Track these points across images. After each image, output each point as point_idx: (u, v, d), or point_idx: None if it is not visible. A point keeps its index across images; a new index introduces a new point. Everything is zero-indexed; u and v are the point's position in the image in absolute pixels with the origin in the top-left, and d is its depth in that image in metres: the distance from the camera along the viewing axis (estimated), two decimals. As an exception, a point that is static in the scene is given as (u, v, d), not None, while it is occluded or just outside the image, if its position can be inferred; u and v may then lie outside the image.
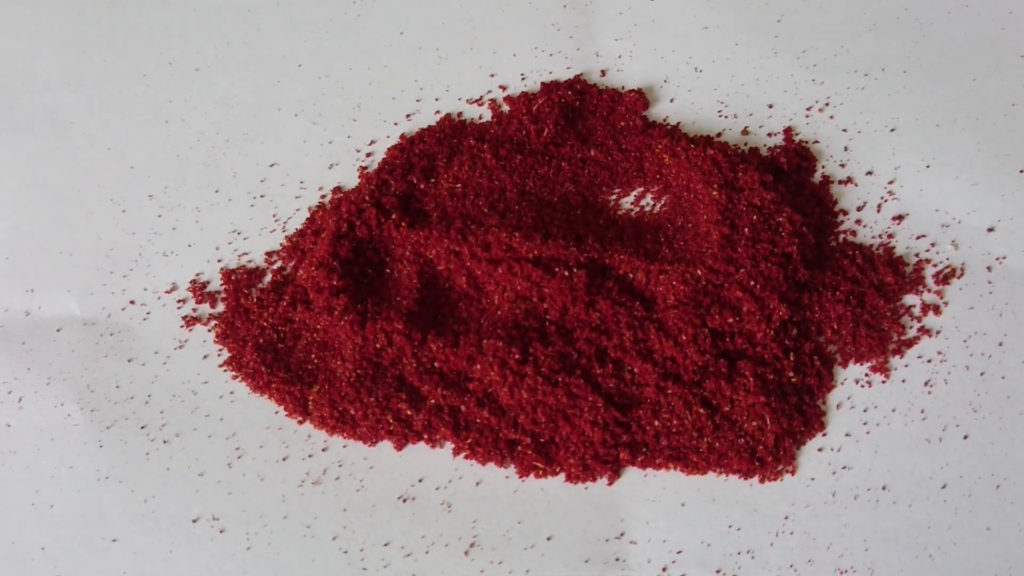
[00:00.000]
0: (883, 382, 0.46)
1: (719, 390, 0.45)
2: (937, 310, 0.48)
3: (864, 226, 0.50)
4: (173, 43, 0.59)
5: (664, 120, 0.54)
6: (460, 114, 0.55)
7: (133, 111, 0.57)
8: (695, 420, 0.45)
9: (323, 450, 0.47)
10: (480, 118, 0.55)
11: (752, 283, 0.47)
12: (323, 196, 0.53)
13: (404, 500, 0.45)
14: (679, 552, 0.43)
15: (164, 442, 0.47)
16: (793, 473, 0.44)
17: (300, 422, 0.47)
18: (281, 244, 0.52)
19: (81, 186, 0.54)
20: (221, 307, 0.51)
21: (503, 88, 0.56)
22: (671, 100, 0.55)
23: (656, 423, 0.45)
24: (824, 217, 0.50)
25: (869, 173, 0.52)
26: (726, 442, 0.45)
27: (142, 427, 0.48)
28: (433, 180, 0.52)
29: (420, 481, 0.46)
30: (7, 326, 0.51)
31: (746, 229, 0.48)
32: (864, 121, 0.53)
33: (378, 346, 0.47)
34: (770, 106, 0.54)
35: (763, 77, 0.55)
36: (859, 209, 0.51)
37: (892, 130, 0.53)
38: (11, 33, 0.60)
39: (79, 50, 0.59)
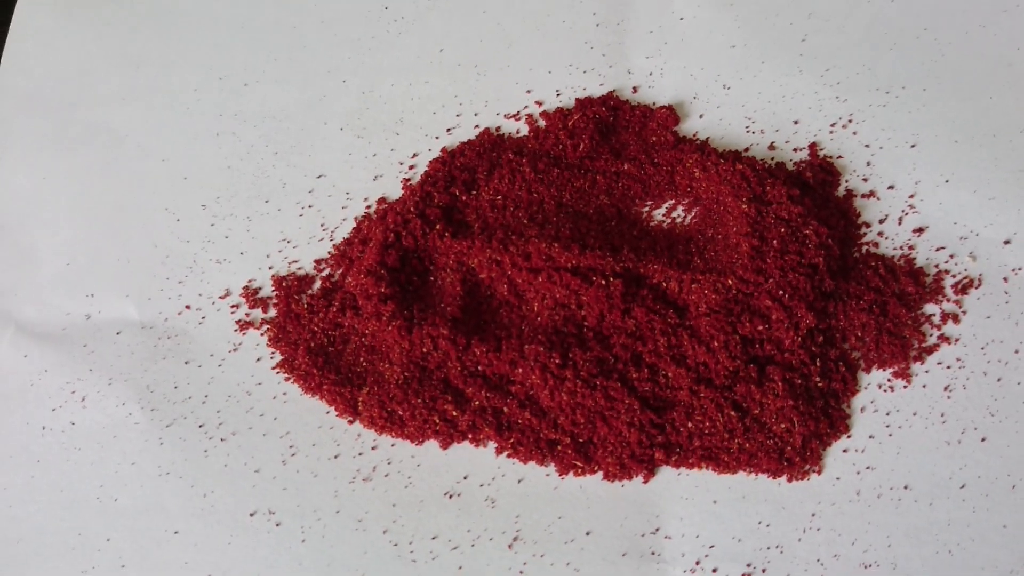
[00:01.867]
0: (905, 387, 0.48)
1: (749, 394, 0.48)
2: (956, 319, 0.50)
3: (886, 238, 0.53)
4: (223, 59, 0.61)
5: (694, 135, 0.57)
6: (498, 128, 0.58)
7: (185, 124, 0.59)
8: (726, 422, 0.47)
9: (372, 448, 0.49)
10: (517, 132, 0.58)
11: (780, 292, 0.49)
12: (368, 207, 0.56)
13: (450, 496, 0.48)
14: (711, 547, 0.46)
15: (221, 440, 0.50)
16: (819, 473, 0.47)
17: (350, 422, 0.50)
18: (329, 252, 0.55)
19: (137, 196, 0.57)
20: (273, 312, 0.53)
21: (539, 104, 0.59)
22: (700, 116, 0.57)
23: (689, 424, 0.48)
24: (848, 229, 0.53)
25: (891, 187, 0.54)
26: (756, 443, 0.47)
27: (200, 426, 0.50)
28: (474, 192, 0.55)
29: (465, 478, 0.48)
30: (69, 329, 0.54)
31: (775, 241, 0.50)
32: (886, 137, 0.55)
33: (424, 350, 0.50)
34: (795, 122, 0.56)
35: (788, 94, 0.57)
36: (881, 222, 0.53)
37: (912, 146, 0.55)
38: (69, 51, 0.62)
39: (133, 66, 0.61)
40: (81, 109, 0.60)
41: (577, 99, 0.58)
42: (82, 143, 0.59)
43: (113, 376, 0.52)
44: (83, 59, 0.62)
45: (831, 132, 0.56)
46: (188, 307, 0.54)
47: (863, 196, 0.54)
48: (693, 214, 0.54)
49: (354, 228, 0.55)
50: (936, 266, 0.51)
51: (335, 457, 0.49)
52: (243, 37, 0.62)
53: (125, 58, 0.62)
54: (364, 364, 0.51)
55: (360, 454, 0.49)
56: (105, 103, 0.60)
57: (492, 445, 0.49)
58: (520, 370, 0.49)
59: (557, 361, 0.48)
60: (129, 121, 0.60)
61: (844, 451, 0.47)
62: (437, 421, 0.49)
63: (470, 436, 0.49)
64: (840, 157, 0.55)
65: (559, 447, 0.48)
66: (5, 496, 0.50)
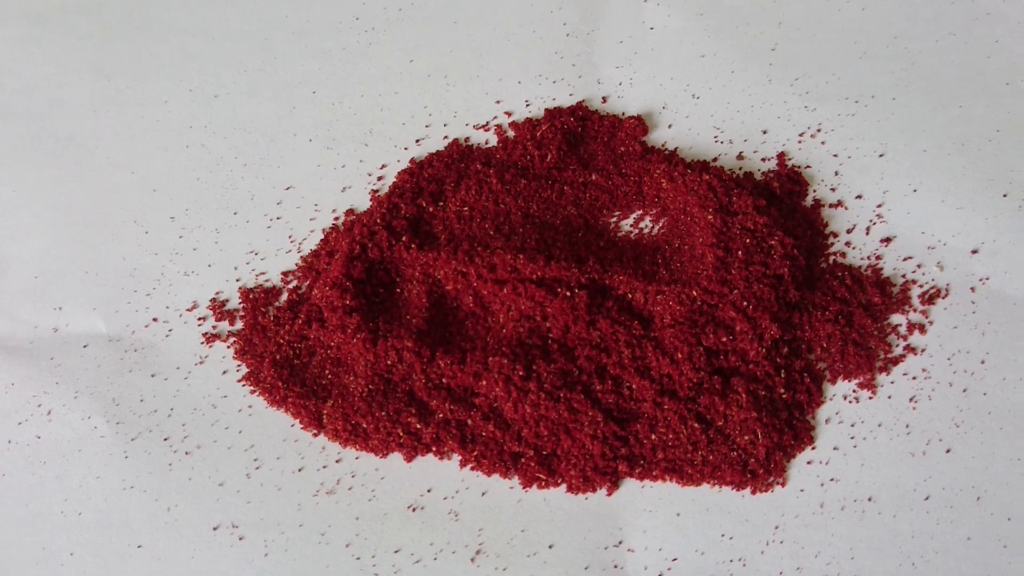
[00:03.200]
0: (870, 398, 0.48)
1: (713, 405, 0.47)
2: (922, 329, 0.50)
3: (853, 248, 0.52)
4: (193, 70, 0.61)
5: (663, 145, 0.57)
6: (467, 139, 0.58)
7: (155, 136, 0.59)
8: (690, 434, 0.47)
9: (336, 462, 0.49)
10: (486, 143, 0.58)
11: (745, 304, 0.49)
12: (336, 218, 0.56)
13: (413, 509, 0.48)
14: (674, 560, 0.46)
15: (186, 453, 0.50)
16: (783, 485, 0.47)
17: (315, 435, 0.50)
18: (296, 264, 0.55)
19: (106, 208, 0.57)
20: (240, 324, 0.53)
21: (508, 114, 0.58)
22: (669, 126, 0.57)
23: (653, 437, 0.47)
24: (815, 239, 0.53)
25: (859, 197, 0.54)
26: (719, 455, 0.47)
27: (165, 439, 0.50)
28: (441, 203, 0.55)
29: (429, 491, 0.48)
30: (37, 342, 0.54)
31: (740, 252, 0.50)
32: (854, 147, 0.55)
33: (389, 363, 0.50)
34: (764, 132, 0.56)
35: (757, 104, 0.57)
36: (849, 232, 0.53)
37: (881, 155, 0.55)
38: (38, 60, 0.62)
39: (103, 77, 0.61)
40: (51, 120, 0.60)
41: (546, 109, 0.58)
42: (52, 154, 0.59)
43: (79, 389, 0.52)
44: (53, 70, 0.62)
45: (799, 142, 0.56)
46: (155, 320, 0.54)
47: (831, 206, 0.54)
48: (660, 224, 0.54)
49: (321, 240, 0.55)
50: (903, 276, 0.51)
51: (299, 470, 0.49)
52: (214, 48, 0.62)
53: (95, 69, 0.62)
54: (329, 376, 0.51)
55: (324, 467, 0.49)
56: (75, 114, 0.60)
57: (456, 458, 0.49)
58: (484, 382, 0.49)
59: (521, 373, 0.48)
60: (99, 132, 0.60)
61: (808, 463, 0.47)
62: (401, 434, 0.49)
63: (434, 449, 0.49)
64: (808, 167, 0.55)
65: (523, 460, 0.48)
66: (-31, 510, 0.50)
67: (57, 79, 0.62)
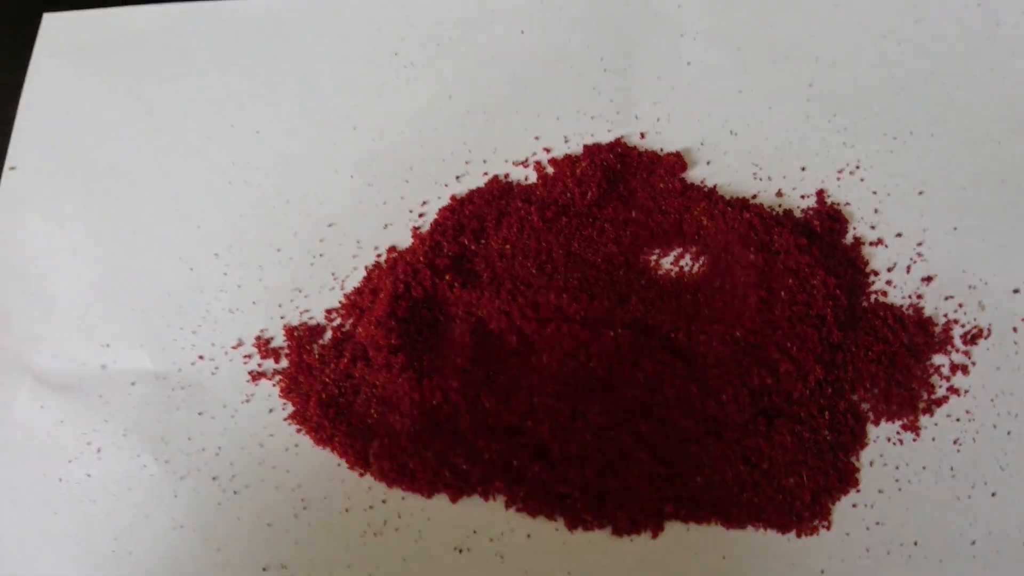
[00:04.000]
0: (914, 440, 0.49)
1: (758, 447, 0.48)
2: (965, 370, 0.50)
3: (894, 287, 0.53)
4: (235, 107, 0.62)
5: (702, 182, 0.57)
6: (507, 175, 0.58)
7: (198, 172, 0.60)
8: (736, 476, 0.47)
9: (383, 502, 0.50)
10: (526, 179, 0.58)
11: (789, 344, 0.49)
12: (379, 255, 0.56)
13: (460, 551, 0.48)
14: (721, 602, 0.46)
15: (234, 493, 0.50)
16: (829, 528, 0.47)
17: (361, 474, 0.50)
18: (340, 302, 0.55)
19: (150, 245, 0.58)
20: (285, 363, 0.54)
21: (547, 150, 0.59)
22: (708, 163, 0.58)
23: (699, 478, 0.48)
24: (856, 278, 0.53)
25: (899, 235, 0.54)
26: (765, 497, 0.47)
27: (213, 478, 0.51)
28: (483, 241, 0.55)
29: (474, 532, 0.49)
30: (85, 380, 0.54)
31: (783, 292, 0.51)
32: (894, 184, 0.56)
33: (435, 402, 0.50)
34: (803, 169, 0.57)
35: (796, 140, 0.58)
36: (889, 270, 0.53)
37: (920, 193, 0.55)
38: (84, 98, 0.63)
39: (147, 114, 0.62)
40: (96, 156, 0.61)
41: (585, 146, 0.58)
42: (97, 191, 0.60)
43: (128, 427, 0.52)
44: (98, 106, 0.63)
45: (839, 179, 0.56)
46: (201, 357, 0.54)
47: (871, 244, 0.54)
48: (701, 262, 0.54)
49: (364, 277, 0.56)
50: (945, 316, 0.52)
51: (346, 510, 0.50)
52: (255, 85, 0.63)
53: (139, 105, 0.63)
54: (375, 415, 0.51)
55: (371, 507, 0.50)
56: (120, 150, 0.61)
57: (502, 498, 0.49)
58: (530, 422, 0.49)
59: (567, 413, 0.49)
60: (143, 169, 0.60)
61: (853, 506, 0.47)
62: (447, 474, 0.49)
63: (480, 489, 0.49)
64: (848, 204, 0.55)
65: (568, 501, 0.48)
66: (22, 548, 0.50)
67: (102, 115, 0.62)
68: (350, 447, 0.51)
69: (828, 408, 0.49)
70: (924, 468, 0.48)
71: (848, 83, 0.59)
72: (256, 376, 0.54)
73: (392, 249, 0.56)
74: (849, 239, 0.54)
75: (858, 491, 0.48)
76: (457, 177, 0.59)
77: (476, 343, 0.52)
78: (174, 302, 0.56)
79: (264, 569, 0.48)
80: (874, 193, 0.55)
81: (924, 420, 0.49)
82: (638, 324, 0.51)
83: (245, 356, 0.54)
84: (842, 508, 0.47)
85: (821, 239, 0.54)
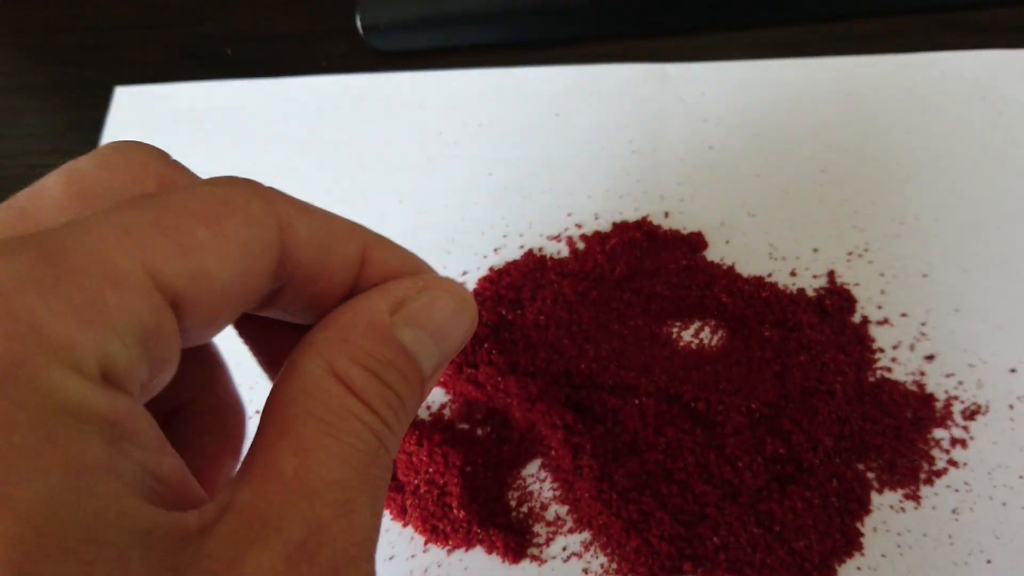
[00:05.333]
0: (915, 508, 0.52)
1: (771, 511, 0.52)
2: (964, 444, 0.54)
3: (899, 364, 0.57)
4: (291, 179, 0.67)
5: (721, 260, 0.62)
6: (541, 249, 0.63)
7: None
8: (750, 538, 0.52)
9: (424, 551, 0.54)
10: (559, 253, 0.63)
11: (801, 417, 0.53)
12: (422, 321, 0.61)
13: (495, 600, 0.52)
14: (735, 656, 0.50)
15: (287, 540, 0.55)
16: (836, 588, 0.51)
17: (404, 525, 0.55)
18: (386, 364, 0.60)
19: (213, 307, 0.63)
20: (335, 419, 0.58)
21: (579, 226, 0.64)
22: (727, 242, 0.62)
23: (715, 539, 0.52)
24: (863, 355, 0.57)
25: (903, 315, 0.58)
26: (777, 558, 0.51)
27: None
28: (519, 311, 0.60)
29: (508, 582, 0.53)
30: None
31: (795, 368, 0.55)
32: (900, 266, 0.60)
33: (469, 471, 0.54)
34: (815, 250, 0.61)
35: (809, 223, 0.62)
36: (895, 348, 0.57)
37: (925, 275, 0.60)
38: (153, 168, 0.69)
39: (210, 183, 0.68)
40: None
41: (614, 223, 0.63)
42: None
43: (189, 476, 0.57)
44: (166, 178, 0.68)
45: (848, 260, 0.61)
46: (257, 411, 0.59)
47: (878, 323, 0.58)
48: (720, 336, 0.59)
49: (409, 342, 0.60)
50: (946, 392, 0.56)
51: (390, 559, 0.54)
52: (309, 158, 0.68)
53: (203, 175, 0.68)
54: (403, 479, 0.55)
55: (413, 556, 0.54)
56: (185, 218, 0.66)
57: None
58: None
59: (596, 473, 0.53)
60: (206, 236, 0.65)
61: (858, 568, 0.51)
62: (478, 531, 0.53)
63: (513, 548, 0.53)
64: (857, 284, 0.60)
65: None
66: None
67: (169, 185, 0.68)
68: (393, 501, 0.55)
69: (836, 476, 0.53)
70: (924, 535, 0.52)
71: (858, 170, 0.64)
72: (308, 431, 0.58)
73: (435, 316, 0.61)
74: (857, 318, 0.59)
75: (862, 555, 0.51)
76: (495, 249, 0.64)
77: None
78: (231, 361, 0.61)
79: (314, 612, 0.53)
80: (881, 275, 0.60)
81: (925, 490, 0.53)
82: (662, 393, 0.55)
83: (298, 412, 0.59)
84: (847, 570, 0.51)
85: (832, 317, 0.58)
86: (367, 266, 0.35)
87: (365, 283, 0.35)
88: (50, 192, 0.31)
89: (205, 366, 0.43)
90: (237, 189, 0.30)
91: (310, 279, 0.33)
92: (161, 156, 0.34)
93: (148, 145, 0.34)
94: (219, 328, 0.31)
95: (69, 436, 0.22)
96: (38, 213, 0.30)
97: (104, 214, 0.26)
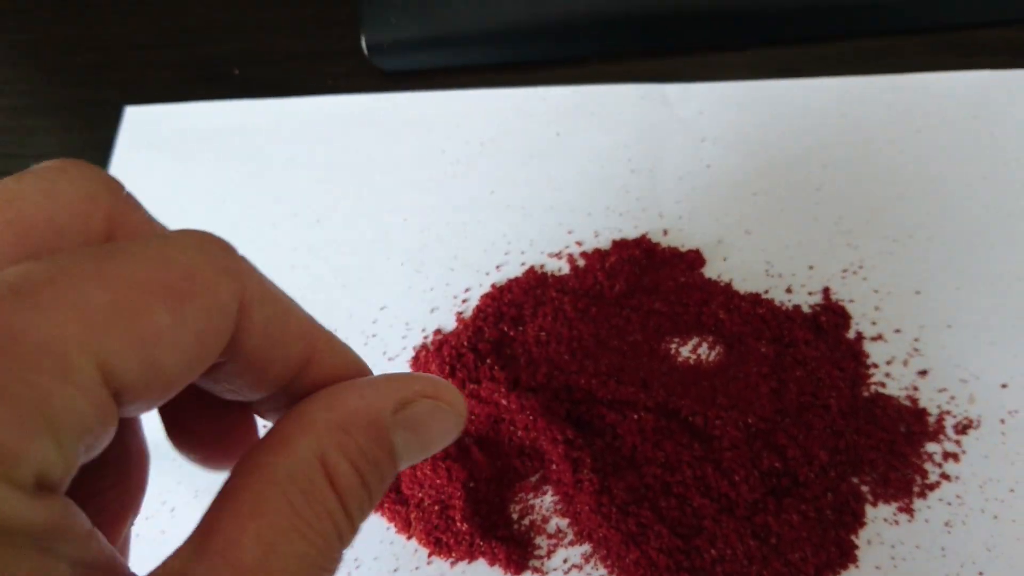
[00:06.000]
0: (909, 521, 0.54)
1: (767, 524, 0.53)
2: (956, 458, 0.55)
3: (892, 379, 0.58)
4: (298, 197, 0.69)
5: (718, 277, 0.63)
6: (542, 266, 0.65)
7: (264, 257, 0.66)
8: (746, 550, 0.53)
9: (428, 564, 0.55)
10: (559, 270, 0.64)
11: (796, 431, 0.55)
12: (425, 337, 0.63)
13: (497, 611, 0.54)
14: (732, 666, 0.51)
15: (294, 552, 0.56)
16: (831, 600, 0.52)
17: (408, 538, 0.56)
18: (391, 379, 0.61)
19: (222, 323, 0.64)
20: (340, 433, 0.60)
21: (579, 244, 0.65)
22: (724, 259, 0.64)
23: (712, 551, 0.53)
24: (857, 370, 0.58)
25: (897, 331, 0.60)
26: (773, 570, 0.52)
27: (275, 538, 0.57)
28: (521, 328, 0.61)
29: (510, 594, 0.54)
30: (159, 446, 0.60)
31: (791, 384, 0.56)
32: (894, 283, 0.61)
33: (472, 485, 0.56)
34: (810, 267, 0.63)
35: (805, 240, 0.64)
36: (888, 363, 0.59)
37: (918, 292, 0.61)
38: (162, 186, 0.70)
39: (219, 201, 0.69)
40: (173, 241, 0.68)
41: (614, 241, 0.64)
42: (173, 272, 0.67)
43: (199, 488, 0.58)
44: (176, 198, 0.70)
45: (843, 277, 0.62)
46: (264, 425, 0.60)
47: (872, 339, 0.60)
48: (717, 351, 0.60)
49: (412, 357, 0.62)
50: (938, 407, 0.57)
51: (395, 571, 0.55)
52: (316, 177, 0.70)
53: (213, 196, 0.70)
54: (407, 492, 0.57)
55: (417, 568, 0.55)
56: (194, 236, 0.68)
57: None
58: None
59: (596, 487, 0.54)
60: (215, 253, 0.67)
61: (853, 580, 0.52)
62: (480, 543, 0.54)
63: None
64: (851, 301, 0.61)
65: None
66: (102, 597, 0.56)
67: (178, 206, 0.70)
68: (398, 514, 0.56)
69: (831, 490, 0.54)
70: (917, 547, 0.53)
71: (853, 189, 0.65)
72: (314, 445, 0.59)
73: (438, 332, 0.63)
74: (852, 334, 0.60)
75: (857, 567, 0.53)
76: (497, 267, 0.65)
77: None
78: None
79: (320, 623, 0.54)
80: (875, 291, 0.61)
81: (918, 503, 0.54)
82: (660, 408, 0.57)
83: (304, 426, 0.60)
84: (843, 582, 0.52)
85: (827, 333, 0.59)
86: (311, 366, 0.33)
87: (305, 380, 0.33)
88: None
89: None
90: (205, 258, 0.28)
91: (248, 367, 0.31)
92: (113, 188, 0.31)
93: (98, 171, 0.31)
94: (154, 407, 0.29)
95: (2, 555, 0.21)
96: None
97: (57, 287, 0.24)
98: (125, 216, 0.32)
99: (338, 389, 0.32)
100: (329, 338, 0.34)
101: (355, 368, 0.36)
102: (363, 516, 0.31)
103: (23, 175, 0.29)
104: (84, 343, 0.23)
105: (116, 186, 0.32)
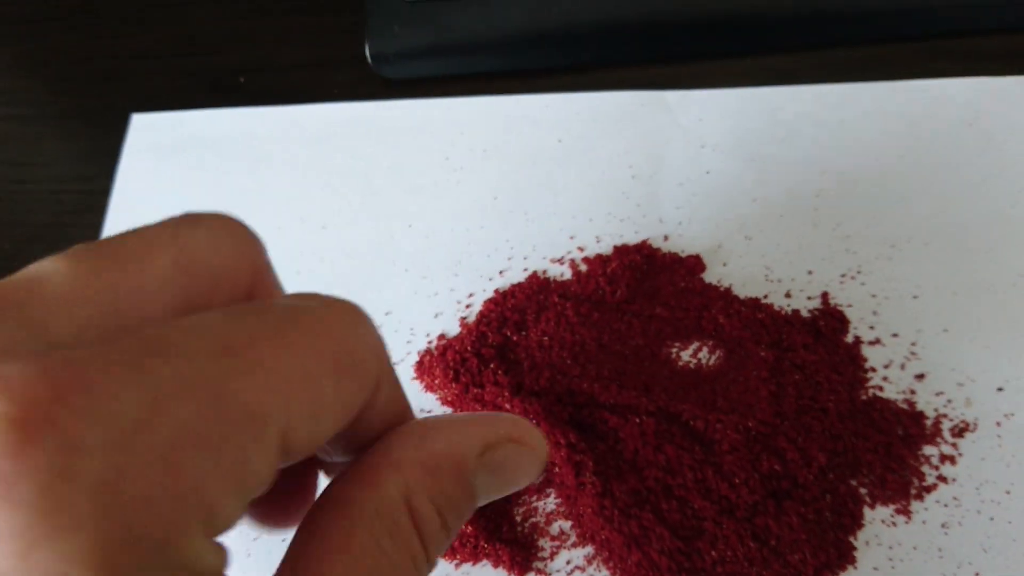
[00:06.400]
0: (906, 523, 0.54)
1: (767, 526, 0.54)
2: (953, 460, 0.56)
3: (890, 383, 0.59)
4: (303, 204, 0.70)
5: (718, 282, 0.64)
6: (545, 272, 0.65)
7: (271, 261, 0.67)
8: (746, 552, 0.53)
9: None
10: (562, 275, 0.65)
11: (795, 434, 0.56)
12: (430, 342, 0.64)
13: (501, 611, 0.54)
14: (732, 665, 0.52)
15: (301, 554, 0.57)
16: (829, 601, 0.53)
17: (413, 540, 0.57)
18: (395, 383, 0.62)
19: (229, 328, 0.65)
20: (346, 437, 0.61)
21: (581, 249, 0.66)
22: (724, 264, 0.65)
23: (713, 553, 0.54)
24: (856, 374, 0.59)
25: (895, 335, 0.60)
26: (772, 572, 0.53)
27: (283, 540, 0.57)
28: (524, 332, 0.62)
29: (514, 595, 0.55)
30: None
31: (790, 387, 0.57)
32: (891, 288, 0.62)
33: (479, 481, 0.57)
34: (809, 272, 0.63)
35: (804, 246, 0.64)
36: (886, 367, 0.59)
37: (915, 297, 0.62)
38: (170, 192, 0.71)
39: (226, 206, 0.70)
40: (180, 247, 0.69)
41: (615, 246, 0.65)
42: (180, 278, 0.68)
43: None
44: (183, 204, 0.71)
45: (841, 282, 0.63)
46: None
47: (870, 343, 0.60)
48: (717, 356, 0.61)
49: (416, 362, 0.63)
50: (935, 410, 0.58)
51: (400, 572, 0.56)
52: (322, 183, 0.71)
53: (219, 202, 0.71)
54: (426, 488, 0.58)
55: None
56: (201, 242, 0.69)
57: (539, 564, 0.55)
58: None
59: (599, 490, 0.55)
60: (221, 259, 0.68)
61: (851, 581, 0.53)
62: (484, 544, 0.55)
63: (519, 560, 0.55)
64: (850, 306, 0.62)
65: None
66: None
67: (185, 205, 0.70)
68: (403, 515, 0.57)
69: (830, 492, 0.55)
70: (915, 548, 0.54)
71: (851, 195, 0.66)
72: (320, 449, 0.60)
73: (442, 337, 0.63)
74: (850, 338, 0.61)
75: (855, 568, 0.53)
76: (500, 272, 0.66)
77: (517, 425, 0.58)
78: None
79: (327, 624, 0.55)
80: (873, 296, 0.62)
81: (915, 505, 0.55)
82: (661, 412, 0.57)
83: (311, 430, 0.61)
84: (841, 583, 0.53)
85: (825, 338, 0.60)
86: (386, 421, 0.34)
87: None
88: (158, 264, 0.28)
89: None
90: (358, 333, 0.29)
91: (355, 433, 0.32)
92: (260, 247, 0.33)
93: (248, 228, 0.33)
94: None
95: None
96: (143, 283, 0.27)
97: (257, 351, 0.25)
98: (264, 273, 0.33)
99: (425, 429, 0.32)
100: (410, 410, 0.35)
101: (408, 413, 0.36)
102: (439, 555, 0.32)
103: (184, 219, 0.31)
104: (277, 410, 0.25)
105: (262, 245, 0.33)
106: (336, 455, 0.35)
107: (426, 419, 0.33)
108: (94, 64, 0.80)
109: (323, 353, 0.27)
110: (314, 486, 0.39)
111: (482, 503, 0.34)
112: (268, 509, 0.38)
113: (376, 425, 0.32)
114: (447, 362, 0.61)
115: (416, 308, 0.65)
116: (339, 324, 0.28)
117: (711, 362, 0.61)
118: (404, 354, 0.63)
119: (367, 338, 0.30)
